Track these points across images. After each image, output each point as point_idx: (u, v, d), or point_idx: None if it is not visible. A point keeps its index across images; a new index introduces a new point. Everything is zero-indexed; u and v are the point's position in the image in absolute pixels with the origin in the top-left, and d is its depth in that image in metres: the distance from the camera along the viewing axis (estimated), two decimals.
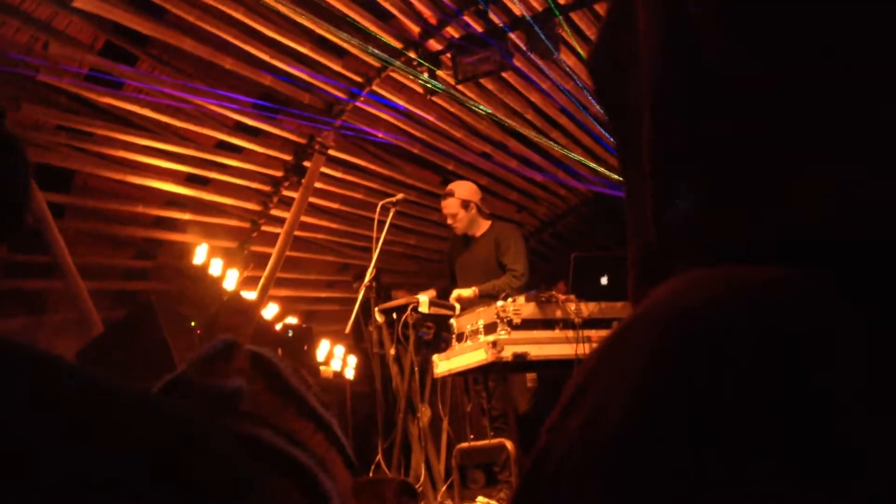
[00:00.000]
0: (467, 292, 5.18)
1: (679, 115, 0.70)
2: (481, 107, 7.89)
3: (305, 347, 7.40)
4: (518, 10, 6.76)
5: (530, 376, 5.36)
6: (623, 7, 0.81)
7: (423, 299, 5.08)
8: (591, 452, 0.54)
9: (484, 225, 5.53)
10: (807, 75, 0.64)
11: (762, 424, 0.51)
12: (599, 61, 0.85)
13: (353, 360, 9.31)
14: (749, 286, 0.57)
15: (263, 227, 8.50)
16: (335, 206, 8.90)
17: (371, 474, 5.01)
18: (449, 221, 5.52)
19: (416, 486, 4.83)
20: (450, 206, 5.49)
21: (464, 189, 5.56)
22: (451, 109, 8.16)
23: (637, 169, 0.76)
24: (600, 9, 6.73)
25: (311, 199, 8.36)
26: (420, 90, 7.42)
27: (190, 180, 7.76)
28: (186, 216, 7.99)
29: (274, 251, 8.25)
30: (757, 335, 0.54)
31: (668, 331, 0.56)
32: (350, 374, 9.21)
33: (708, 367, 0.53)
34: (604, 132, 8.65)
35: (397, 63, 7.14)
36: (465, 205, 5.45)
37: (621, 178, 0.83)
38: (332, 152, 8.12)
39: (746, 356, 0.53)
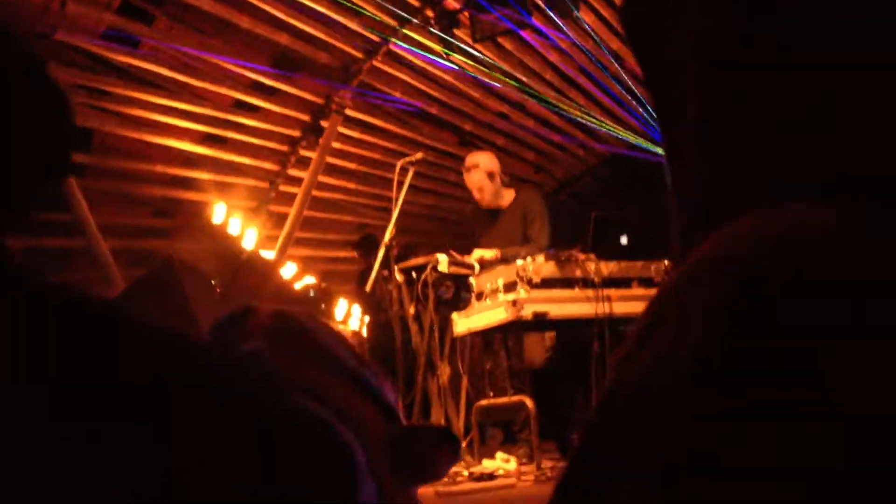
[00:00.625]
0: (490, 253, 5.17)
1: (733, 62, 0.70)
2: (497, 71, 7.83)
3: (324, 307, 7.44)
4: None
5: (548, 335, 5.37)
6: None
7: (443, 258, 5.09)
8: (665, 383, 0.55)
9: (508, 195, 5.48)
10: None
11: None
12: (634, 10, 0.84)
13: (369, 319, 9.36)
14: (811, 229, 0.57)
15: (281, 187, 8.50)
16: (353, 166, 8.89)
17: None
18: (476, 196, 5.44)
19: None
20: (475, 179, 5.42)
21: (486, 160, 5.50)
22: (468, 69, 8.10)
23: (680, 118, 0.76)
24: None
25: (329, 159, 8.35)
26: (438, 50, 7.36)
27: (207, 139, 7.76)
28: (204, 175, 8.00)
29: (292, 211, 8.26)
30: (814, 281, 0.54)
31: (735, 272, 0.56)
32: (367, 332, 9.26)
33: (769, 310, 0.53)
34: (623, 92, 8.58)
35: (415, 21, 7.09)
36: (491, 176, 5.41)
37: (660, 130, 0.82)
38: (349, 112, 8.09)
39: (806, 302, 0.53)
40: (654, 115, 0.83)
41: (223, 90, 7.35)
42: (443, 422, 4.98)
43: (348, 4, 6.88)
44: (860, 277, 0.53)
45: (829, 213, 0.59)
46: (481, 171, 5.39)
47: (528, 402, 4.56)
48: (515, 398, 4.71)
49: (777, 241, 0.57)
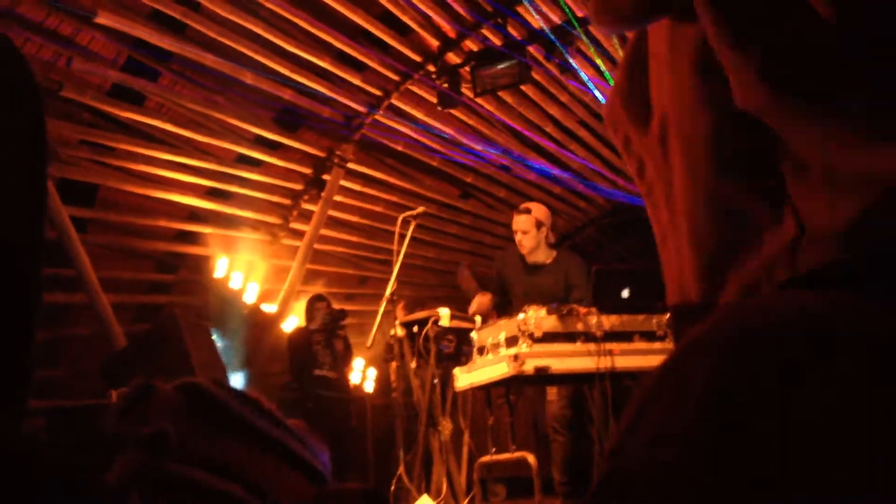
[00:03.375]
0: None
1: (717, 159, 0.71)
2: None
3: (343, 326, 7.41)
4: (536, 23, 6.78)
5: (551, 390, 5.33)
6: (638, 52, 0.82)
7: (444, 312, 5.08)
8: (662, 468, 0.55)
9: (550, 253, 5.46)
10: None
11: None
12: (620, 110, 0.86)
13: (372, 372, 9.32)
14: (808, 310, 0.58)
15: (284, 240, 8.53)
16: (354, 219, 8.93)
17: (392, 487, 5.01)
18: (518, 238, 5.40)
19: (438, 500, 4.82)
20: (523, 222, 5.39)
21: (540, 210, 5.50)
22: (470, 122, 8.18)
23: (668, 209, 0.77)
24: None
25: (331, 212, 8.39)
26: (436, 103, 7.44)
27: (211, 194, 7.81)
28: (207, 230, 8.03)
29: (294, 264, 8.28)
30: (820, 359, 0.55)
31: (732, 351, 0.57)
32: (370, 386, 9.22)
33: (770, 387, 0.54)
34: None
35: (416, 75, 7.17)
36: (539, 225, 5.39)
37: (652, 221, 0.83)
38: (351, 165, 8.15)
39: (813, 379, 0.54)
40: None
41: (227, 145, 7.42)
42: (444, 478, 4.93)
43: (351, 60, 6.97)
44: (845, 360, 0.54)
45: (816, 296, 0.59)
46: (532, 217, 5.38)
47: (531, 458, 4.52)
48: (517, 454, 4.67)
49: (769, 322, 0.58)
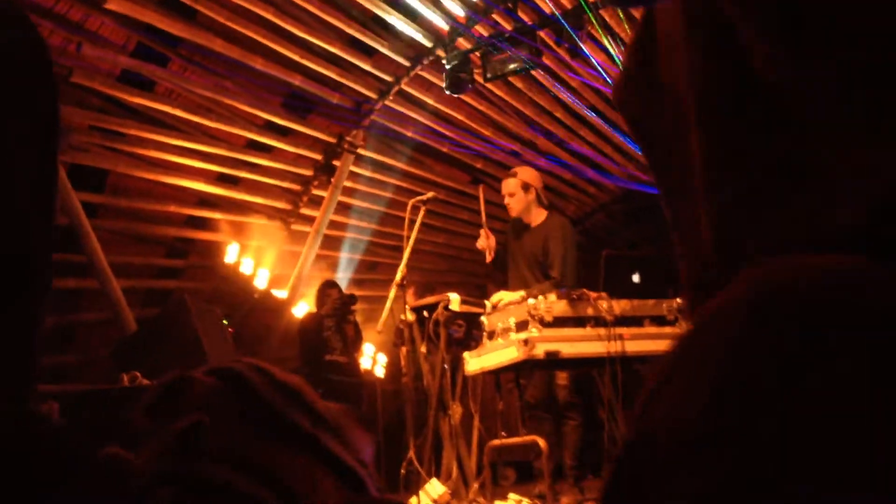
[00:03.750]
0: (512, 296, 5.04)
1: (730, 126, 0.70)
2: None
3: (352, 311, 7.43)
4: (548, 7, 6.74)
5: (562, 375, 5.34)
6: (647, 33, 0.81)
7: (454, 297, 5.08)
8: (683, 435, 0.55)
9: (539, 214, 5.45)
10: (850, 73, 0.64)
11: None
12: (628, 91, 0.85)
13: (382, 357, 9.34)
14: (826, 272, 0.57)
15: (294, 226, 8.54)
16: (364, 204, 8.93)
17: (403, 471, 5.02)
18: (505, 201, 5.46)
19: (448, 484, 4.84)
20: (509, 185, 5.44)
21: (527, 173, 5.54)
22: (480, 108, 8.15)
23: (683, 189, 0.76)
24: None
25: (341, 198, 8.39)
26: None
27: (221, 180, 7.82)
28: (217, 215, 8.04)
29: (304, 250, 8.29)
30: (839, 320, 0.54)
31: (753, 317, 0.56)
32: (380, 371, 9.24)
33: (793, 352, 0.53)
34: None
35: (426, 61, 7.15)
36: (525, 187, 5.40)
37: (665, 202, 0.83)
38: (361, 151, 8.14)
39: (832, 343, 0.53)
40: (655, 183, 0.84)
41: (237, 130, 7.42)
42: (454, 462, 4.94)
43: (361, 45, 6.95)
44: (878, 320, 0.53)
45: (830, 259, 0.59)
46: (518, 179, 5.40)
47: (541, 442, 4.52)
48: (528, 438, 4.67)
49: (791, 287, 0.57)
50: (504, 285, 5.43)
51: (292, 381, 0.85)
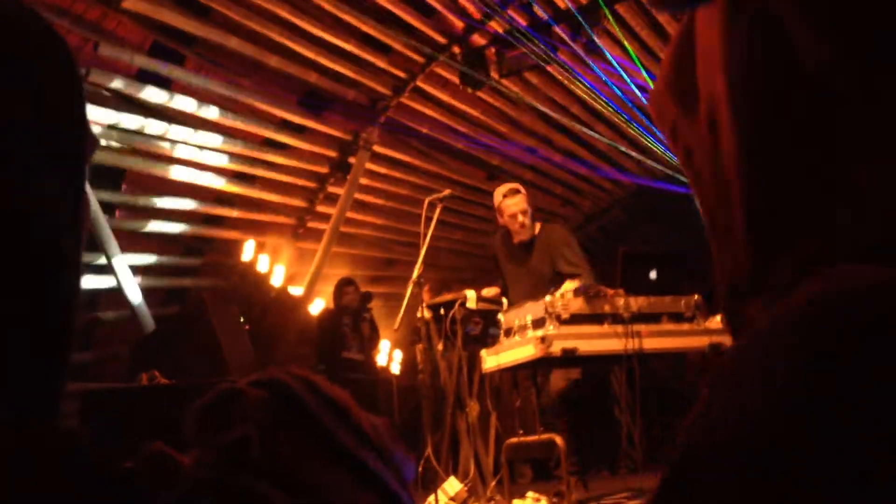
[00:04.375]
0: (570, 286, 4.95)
1: (767, 133, 0.70)
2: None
3: (369, 309, 7.46)
4: (563, 2, 6.72)
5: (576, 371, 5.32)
6: (686, 40, 0.81)
7: (471, 294, 5.07)
8: (736, 444, 0.55)
9: (534, 228, 5.39)
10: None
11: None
12: (666, 98, 0.85)
13: (398, 355, 9.35)
14: (882, 288, 0.56)
15: (310, 224, 8.56)
16: (380, 201, 8.93)
17: (420, 469, 5.02)
18: (519, 220, 5.25)
19: (465, 482, 4.84)
20: (523, 201, 5.27)
21: (523, 189, 5.46)
22: (495, 104, 8.14)
23: (718, 195, 0.76)
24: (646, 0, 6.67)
25: (357, 196, 8.40)
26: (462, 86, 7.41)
27: (237, 177, 7.84)
28: (234, 213, 8.07)
29: (320, 247, 8.31)
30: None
31: (811, 332, 0.56)
32: (396, 368, 9.25)
33: (848, 369, 0.53)
34: (649, 124, 8.57)
35: (442, 57, 7.14)
36: (529, 202, 5.35)
37: (701, 209, 0.82)
38: (376, 148, 8.15)
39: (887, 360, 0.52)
40: (692, 191, 0.83)
41: (253, 128, 7.44)
42: (472, 460, 4.93)
43: (376, 43, 6.96)
44: None
45: (877, 272, 0.58)
46: (525, 195, 5.30)
47: (558, 440, 4.52)
48: (545, 436, 4.66)
49: (857, 300, 0.57)
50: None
51: (339, 396, 0.84)
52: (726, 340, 4.31)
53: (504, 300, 5.15)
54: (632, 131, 8.71)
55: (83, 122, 0.72)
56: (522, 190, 5.35)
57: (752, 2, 0.71)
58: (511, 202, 5.28)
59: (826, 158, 0.66)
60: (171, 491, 0.75)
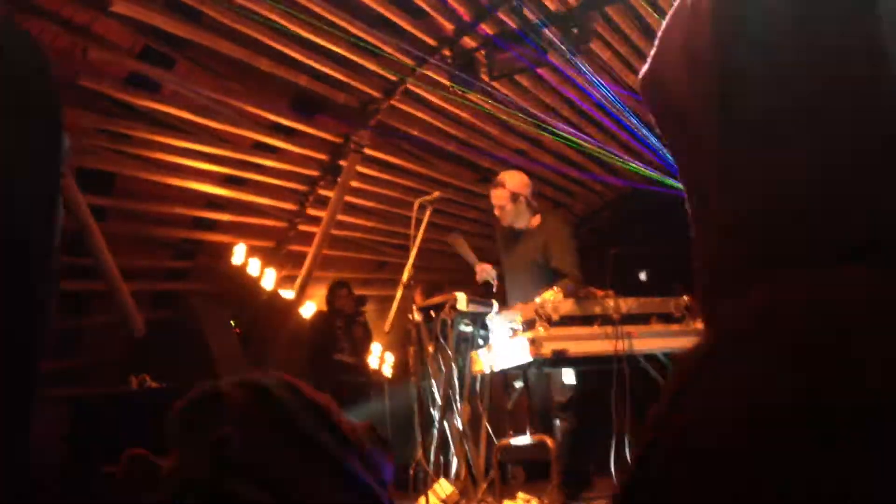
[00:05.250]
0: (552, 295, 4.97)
1: (749, 131, 0.70)
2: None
3: (363, 312, 7.46)
4: (553, 5, 6.73)
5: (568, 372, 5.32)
6: (671, 35, 0.81)
7: (461, 296, 5.08)
8: (705, 453, 0.55)
9: (532, 220, 5.42)
10: None
11: None
12: (654, 84, 0.85)
13: (390, 357, 9.34)
14: (852, 292, 0.57)
15: (300, 227, 8.55)
16: (371, 204, 8.93)
17: (412, 471, 5.02)
18: (496, 212, 5.43)
19: (456, 484, 4.84)
20: (498, 196, 5.40)
21: (515, 180, 5.46)
22: (486, 107, 8.15)
23: (702, 190, 0.77)
24: (636, 4, 6.69)
25: (347, 198, 8.40)
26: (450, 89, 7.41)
27: (227, 181, 7.83)
28: (224, 217, 8.06)
29: (311, 250, 8.30)
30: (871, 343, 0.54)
31: (771, 333, 0.56)
32: (388, 371, 9.25)
33: (829, 377, 0.53)
34: (640, 126, 8.60)
35: (432, 60, 7.14)
36: (514, 198, 5.36)
37: (687, 200, 0.83)
38: (367, 151, 8.15)
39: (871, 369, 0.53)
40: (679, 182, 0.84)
41: (243, 132, 7.43)
42: (463, 463, 4.94)
43: (366, 45, 6.95)
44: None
45: (851, 274, 0.59)
46: (506, 190, 5.35)
47: (549, 442, 4.53)
48: (536, 437, 4.67)
49: (815, 303, 0.57)
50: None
51: (320, 399, 0.85)
52: None
53: (495, 302, 5.15)
54: (622, 133, 8.74)
55: (59, 127, 0.72)
56: (506, 183, 5.39)
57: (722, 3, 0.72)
58: (491, 193, 5.46)
59: (795, 161, 0.67)
60: (153, 493, 0.75)
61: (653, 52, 0.87)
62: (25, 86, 0.71)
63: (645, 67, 0.86)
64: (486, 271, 5.45)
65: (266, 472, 0.79)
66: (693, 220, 0.79)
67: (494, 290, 5.38)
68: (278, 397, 0.83)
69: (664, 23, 0.86)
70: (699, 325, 4.50)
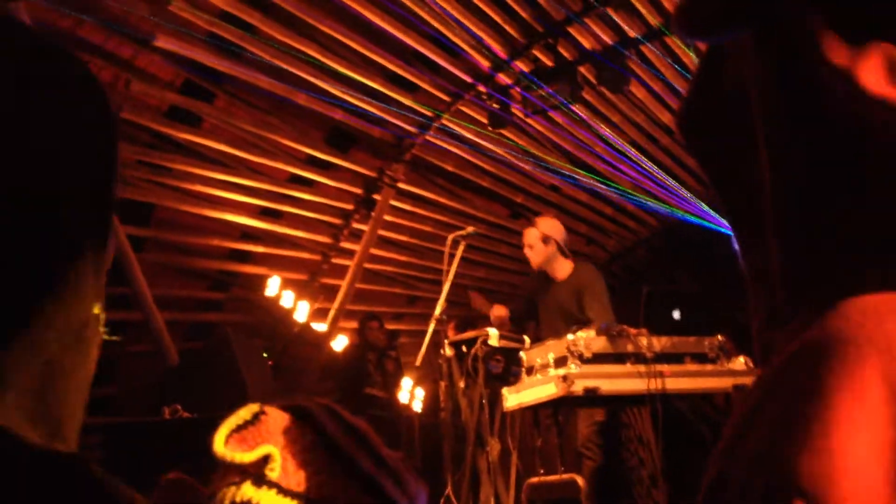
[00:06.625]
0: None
1: (802, 162, 0.70)
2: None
3: (395, 346, 7.46)
4: (588, 43, 6.77)
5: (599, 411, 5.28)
6: (712, 62, 0.81)
7: (493, 332, 5.06)
8: (772, 479, 0.55)
9: (565, 267, 5.39)
10: None
11: None
12: (692, 118, 0.85)
13: (420, 392, 9.31)
14: None
15: (334, 260, 8.60)
16: (404, 238, 8.97)
17: None
18: (525, 251, 5.45)
19: None
20: (529, 235, 5.42)
21: (547, 224, 5.47)
22: (520, 142, 8.18)
23: (752, 218, 0.76)
24: (671, 42, 6.71)
25: (381, 232, 8.44)
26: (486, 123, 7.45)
27: (263, 213, 7.91)
28: (259, 249, 8.13)
29: (344, 283, 8.34)
30: None
31: (835, 364, 0.56)
32: (418, 406, 9.21)
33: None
34: (675, 164, 8.58)
35: (467, 96, 7.20)
36: (545, 240, 5.35)
37: (733, 231, 0.82)
38: (401, 185, 8.20)
39: None
40: (722, 215, 0.83)
41: (279, 165, 7.52)
42: (492, 499, 4.89)
43: (401, 81, 7.04)
44: None
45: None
46: (538, 231, 5.36)
47: (580, 481, 4.48)
48: (566, 476, 4.62)
49: (874, 326, 0.57)
50: (522, 322, 5.43)
51: (360, 424, 0.87)
52: (750, 381, 4.26)
53: (526, 338, 5.14)
54: (656, 171, 8.72)
55: (115, 163, 0.74)
56: (539, 225, 5.41)
57: (779, 36, 0.71)
58: (525, 232, 5.50)
59: (858, 191, 0.66)
60: None
61: (688, 87, 0.87)
62: (91, 117, 0.74)
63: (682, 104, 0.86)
64: (499, 316, 5.45)
65: (306, 492, 0.81)
66: (741, 252, 0.79)
67: (507, 330, 5.37)
68: (320, 421, 0.85)
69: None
70: (733, 365, 4.45)
